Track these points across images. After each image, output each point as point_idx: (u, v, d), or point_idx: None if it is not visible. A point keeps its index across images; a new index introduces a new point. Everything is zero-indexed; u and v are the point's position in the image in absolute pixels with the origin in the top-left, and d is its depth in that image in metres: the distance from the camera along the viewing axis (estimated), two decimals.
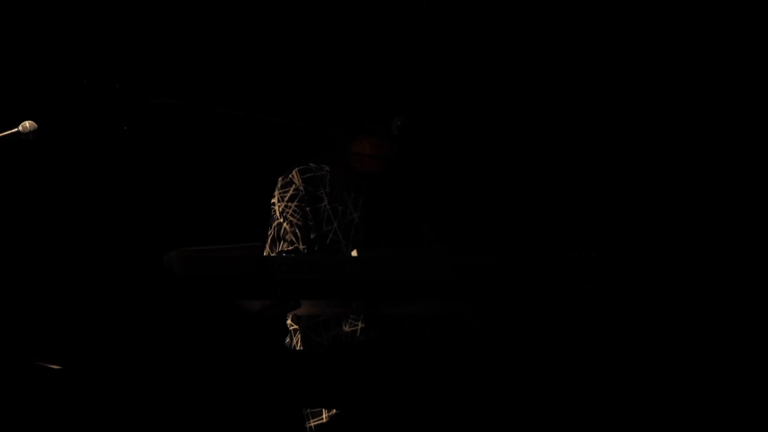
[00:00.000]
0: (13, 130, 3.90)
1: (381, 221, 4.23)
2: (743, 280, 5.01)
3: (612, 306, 3.54)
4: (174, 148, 5.17)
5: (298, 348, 4.15)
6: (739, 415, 4.77)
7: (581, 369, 3.49)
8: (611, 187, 5.17)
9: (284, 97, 5.15)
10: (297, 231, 4.16)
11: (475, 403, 3.42)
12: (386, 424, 3.45)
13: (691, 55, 5.20)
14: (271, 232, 4.20)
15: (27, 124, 3.90)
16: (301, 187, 4.22)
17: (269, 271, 3.25)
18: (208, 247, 3.29)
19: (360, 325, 4.11)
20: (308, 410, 4.09)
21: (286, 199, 4.21)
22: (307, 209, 4.20)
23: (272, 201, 4.24)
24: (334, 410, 4.02)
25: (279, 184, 4.25)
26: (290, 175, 4.24)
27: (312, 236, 4.17)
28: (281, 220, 4.18)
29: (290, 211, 4.19)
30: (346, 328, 4.11)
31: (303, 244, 4.14)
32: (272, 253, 4.16)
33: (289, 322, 4.21)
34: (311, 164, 4.28)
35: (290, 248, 4.13)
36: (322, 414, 4.06)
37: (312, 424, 4.08)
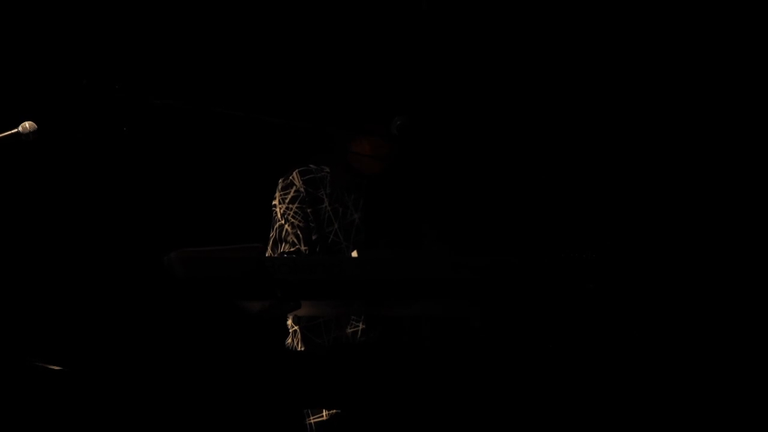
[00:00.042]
0: (12, 131, 3.89)
1: (381, 222, 4.23)
2: (743, 279, 5.01)
3: (612, 306, 3.54)
4: (174, 148, 5.17)
5: (298, 350, 4.15)
6: (739, 415, 4.77)
7: (581, 369, 3.49)
8: (611, 187, 5.17)
9: (284, 97, 5.15)
10: (299, 232, 4.16)
11: (475, 403, 3.42)
12: (386, 424, 3.45)
13: (691, 55, 5.20)
14: (272, 233, 4.20)
15: (27, 125, 3.89)
16: (302, 189, 4.22)
17: (269, 271, 3.25)
18: (209, 248, 3.29)
19: (360, 326, 4.11)
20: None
21: (287, 201, 4.21)
22: (308, 210, 4.19)
23: (273, 203, 4.24)
24: (334, 409, 4.03)
25: (280, 186, 4.24)
26: (290, 177, 4.24)
27: (314, 237, 4.17)
28: (282, 221, 4.18)
29: (291, 213, 4.18)
30: (347, 330, 4.10)
31: (305, 246, 4.14)
32: (274, 254, 4.16)
33: (289, 323, 4.21)
34: (311, 165, 4.27)
35: (292, 250, 4.13)
36: (322, 411, 4.06)
37: (312, 421, 4.08)
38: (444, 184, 4.48)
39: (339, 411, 3.98)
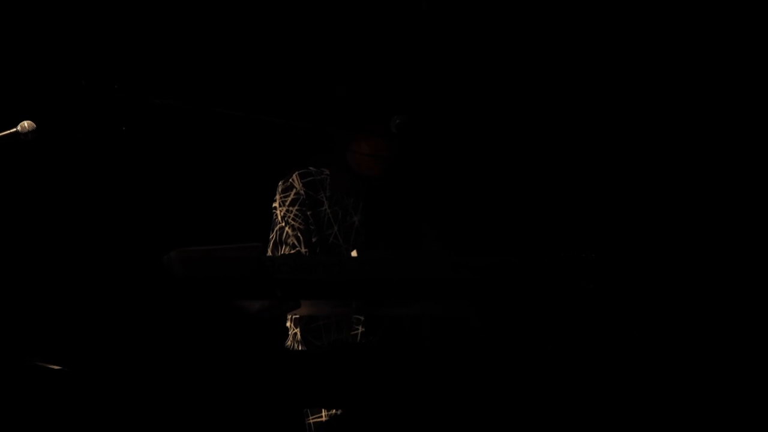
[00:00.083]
0: (11, 130, 3.89)
1: (381, 225, 4.23)
2: (743, 279, 5.01)
3: (612, 306, 3.53)
4: (173, 148, 5.17)
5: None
6: (739, 415, 4.77)
7: (581, 369, 3.48)
8: (611, 187, 5.17)
9: (284, 97, 5.15)
10: (299, 235, 4.16)
11: (475, 403, 3.41)
12: (386, 424, 3.45)
13: (691, 55, 5.20)
14: (272, 235, 4.20)
15: (26, 124, 3.89)
16: (302, 191, 4.22)
17: (269, 271, 3.25)
18: (208, 247, 3.29)
19: (360, 329, 4.11)
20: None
21: (287, 203, 4.21)
22: (308, 213, 4.19)
23: (273, 205, 4.24)
24: (334, 410, 4.03)
25: (280, 188, 4.25)
26: (290, 179, 4.24)
27: (313, 240, 4.17)
28: (283, 224, 4.18)
29: (292, 216, 4.19)
30: (347, 333, 4.11)
31: (305, 248, 4.14)
32: None
33: (289, 324, 4.21)
34: (311, 168, 4.27)
35: (292, 252, 4.14)
36: (321, 412, 4.06)
37: (311, 421, 4.08)
38: (443, 184, 4.48)
39: (338, 412, 3.98)
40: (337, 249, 4.17)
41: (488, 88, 5.32)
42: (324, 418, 4.05)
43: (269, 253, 4.17)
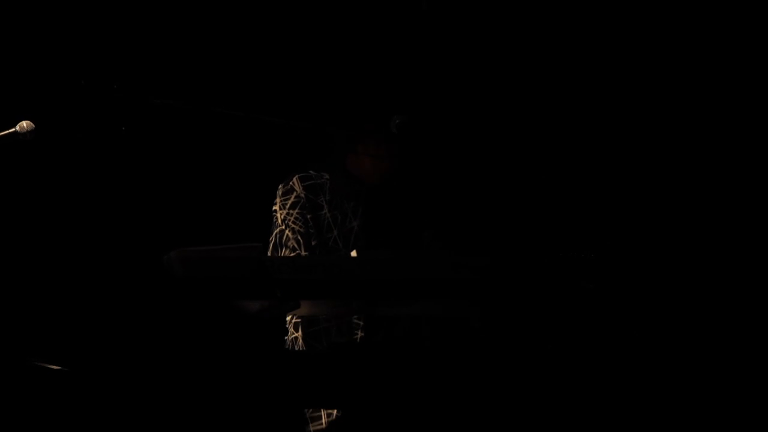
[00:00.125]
0: (10, 130, 3.89)
1: (380, 229, 4.23)
2: (743, 279, 5.01)
3: (612, 306, 3.53)
4: (173, 148, 5.17)
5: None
6: (739, 415, 4.77)
7: (581, 369, 3.48)
8: (611, 186, 5.17)
9: (284, 97, 5.15)
10: (299, 238, 4.16)
11: (475, 403, 3.41)
12: (386, 425, 3.45)
13: (691, 55, 5.20)
14: (272, 238, 4.20)
15: (24, 124, 3.88)
16: (302, 195, 4.22)
17: (269, 271, 3.24)
18: (208, 248, 3.29)
19: (360, 333, 4.11)
20: (309, 415, 4.08)
21: (287, 206, 4.21)
22: (308, 216, 4.19)
23: (273, 208, 4.24)
24: (334, 416, 4.02)
25: (280, 192, 4.25)
26: (291, 183, 4.24)
27: (313, 243, 4.17)
28: (283, 227, 4.19)
29: (292, 219, 4.19)
30: (347, 337, 4.11)
31: (305, 251, 4.14)
32: None
33: (289, 326, 4.21)
34: (311, 171, 4.27)
35: (293, 255, 4.14)
36: (321, 420, 4.06)
37: (312, 429, 4.08)
38: (443, 183, 4.48)
39: (337, 419, 3.98)
40: (336, 253, 4.17)
41: (488, 88, 5.32)
42: (324, 426, 4.05)
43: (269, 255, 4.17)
